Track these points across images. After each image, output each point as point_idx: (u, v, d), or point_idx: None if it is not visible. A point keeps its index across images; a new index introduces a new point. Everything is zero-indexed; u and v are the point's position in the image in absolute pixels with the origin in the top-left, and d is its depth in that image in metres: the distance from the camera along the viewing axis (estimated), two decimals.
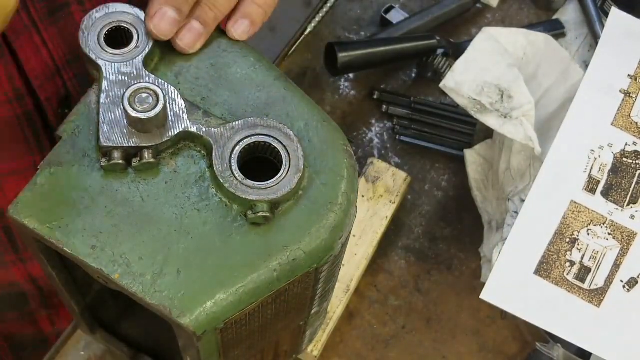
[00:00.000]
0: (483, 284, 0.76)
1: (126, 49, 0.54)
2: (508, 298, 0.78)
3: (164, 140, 0.52)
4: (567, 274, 0.79)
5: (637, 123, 0.84)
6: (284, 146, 0.52)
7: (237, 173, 0.52)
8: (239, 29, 0.58)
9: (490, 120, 0.82)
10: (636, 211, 0.81)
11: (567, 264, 0.79)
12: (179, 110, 0.53)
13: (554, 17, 1.04)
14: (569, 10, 1.03)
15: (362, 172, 0.88)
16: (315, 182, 0.53)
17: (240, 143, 0.52)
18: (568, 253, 0.79)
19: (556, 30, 1.01)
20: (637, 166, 0.83)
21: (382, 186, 0.88)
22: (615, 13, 0.90)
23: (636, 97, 0.86)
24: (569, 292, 0.78)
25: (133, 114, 0.51)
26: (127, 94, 0.51)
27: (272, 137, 0.53)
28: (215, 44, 0.57)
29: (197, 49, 0.57)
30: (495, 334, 0.86)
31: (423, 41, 0.97)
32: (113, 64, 0.54)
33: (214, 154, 0.52)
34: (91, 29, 0.55)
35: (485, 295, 0.78)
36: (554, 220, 0.80)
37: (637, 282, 0.79)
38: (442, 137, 0.96)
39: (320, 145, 0.54)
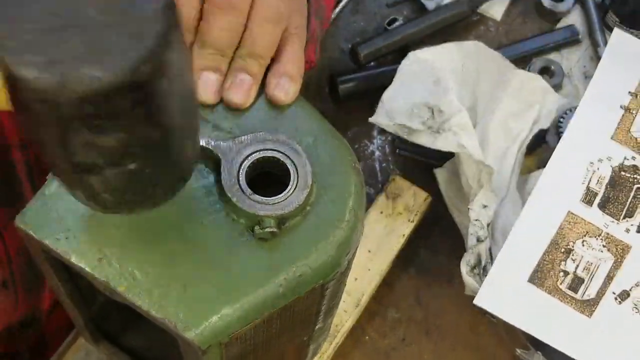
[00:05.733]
0: None
1: None
2: (501, 304, 0.79)
3: None
4: (561, 284, 0.79)
5: (636, 138, 0.85)
6: (292, 161, 0.52)
7: (245, 187, 0.52)
8: (281, 91, 0.57)
9: (422, 139, 0.82)
10: (631, 225, 0.82)
11: (561, 274, 0.80)
12: None
13: (558, 27, 1.03)
14: (572, 21, 1.03)
15: (368, 186, 0.88)
16: (323, 198, 0.53)
17: (249, 157, 0.52)
18: (562, 263, 0.80)
19: (574, 36, 1.02)
20: (635, 180, 0.83)
21: (402, 204, 0.87)
22: (618, 33, 0.91)
23: (636, 113, 0.86)
24: (561, 301, 0.79)
25: None
26: None
27: (281, 152, 0.53)
28: None
29: (251, 102, 0.56)
30: (495, 348, 0.87)
31: None
32: None
33: (222, 168, 0.52)
34: None
35: (479, 300, 0.79)
36: (550, 230, 0.81)
37: (628, 295, 0.79)
38: (440, 151, 0.96)
39: (329, 162, 0.54)
